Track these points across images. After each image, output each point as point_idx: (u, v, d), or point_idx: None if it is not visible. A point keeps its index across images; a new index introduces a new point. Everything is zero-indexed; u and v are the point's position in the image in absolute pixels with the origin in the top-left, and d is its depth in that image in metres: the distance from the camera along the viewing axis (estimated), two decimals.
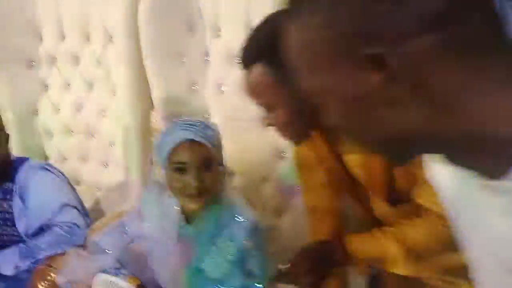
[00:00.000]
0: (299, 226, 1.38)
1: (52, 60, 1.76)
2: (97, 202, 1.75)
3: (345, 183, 0.88)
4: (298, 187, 1.43)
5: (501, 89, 0.37)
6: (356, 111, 0.41)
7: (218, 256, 1.06)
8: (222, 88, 1.43)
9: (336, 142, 0.84)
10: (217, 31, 1.37)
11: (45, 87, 1.82)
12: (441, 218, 0.76)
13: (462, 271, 0.72)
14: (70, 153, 1.82)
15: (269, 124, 0.78)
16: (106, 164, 1.75)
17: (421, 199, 0.77)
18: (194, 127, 1.06)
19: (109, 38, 1.59)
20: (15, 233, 1.38)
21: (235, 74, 1.40)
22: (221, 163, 1.08)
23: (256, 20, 1.29)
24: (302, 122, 0.75)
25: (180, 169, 1.04)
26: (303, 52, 0.42)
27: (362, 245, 0.80)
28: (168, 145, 1.05)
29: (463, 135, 0.39)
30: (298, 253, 0.83)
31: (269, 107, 0.75)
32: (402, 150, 0.43)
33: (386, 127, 0.40)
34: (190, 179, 1.02)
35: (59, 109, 1.81)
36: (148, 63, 1.43)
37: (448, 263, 0.84)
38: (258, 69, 0.71)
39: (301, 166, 0.95)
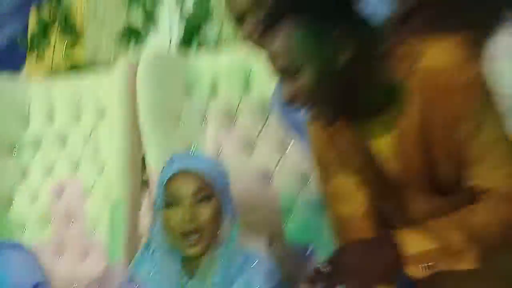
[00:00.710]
0: None
1: (37, 144, 1.68)
2: None
3: (376, 183, 0.77)
4: (309, 249, 1.27)
5: None
6: None
7: None
8: (221, 150, 1.36)
9: (363, 129, 0.75)
10: (215, 90, 1.37)
11: (24, 174, 1.70)
12: (506, 198, 0.65)
13: None
14: (43, 247, 1.61)
15: (292, 97, 0.69)
16: (85, 254, 1.54)
17: (478, 179, 0.66)
18: (188, 158, 0.98)
19: (101, 114, 1.56)
20: None
21: (234, 134, 1.36)
22: (224, 199, 0.95)
23: (256, 75, 1.33)
24: (332, 92, 0.67)
25: (171, 202, 0.91)
26: None
27: (416, 239, 0.64)
28: (162, 181, 0.94)
29: None
30: (340, 250, 0.66)
31: (295, 69, 0.67)
32: None
33: None
34: (181, 214, 0.89)
35: (36, 197, 1.66)
36: (145, 128, 1.38)
37: None
38: (287, 24, 0.66)
39: (324, 171, 0.83)
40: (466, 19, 0.72)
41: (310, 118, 0.75)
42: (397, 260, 0.64)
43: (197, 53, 1.82)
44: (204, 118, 1.38)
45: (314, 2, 0.68)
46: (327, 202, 0.86)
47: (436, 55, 0.65)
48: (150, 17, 2.11)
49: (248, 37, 0.89)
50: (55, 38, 2.29)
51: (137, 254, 1.06)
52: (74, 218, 1.58)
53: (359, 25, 0.68)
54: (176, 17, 2.05)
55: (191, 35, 1.97)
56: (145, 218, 1.46)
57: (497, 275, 0.70)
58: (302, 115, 0.91)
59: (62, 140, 1.64)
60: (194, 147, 1.36)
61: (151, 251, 0.99)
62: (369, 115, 0.72)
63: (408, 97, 0.69)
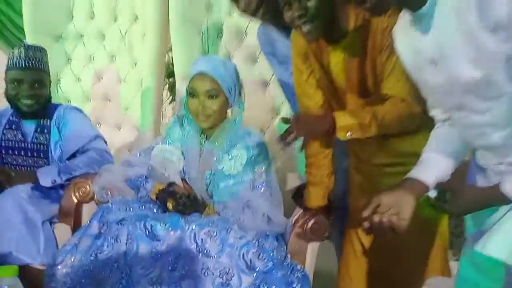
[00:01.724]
0: (290, 169, 1.71)
1: (79, 36, 2.07)
2: None
3: (328, 89, 1.26)
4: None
5: None
6: None
7: (233, 160, 1.37)
8: (231, 58, 1.78)
9: (328, 50, 1.19)
10: (231, 10, 1.75)
11: (69, 60, 2.11)
12: (402, 100, 1.13)
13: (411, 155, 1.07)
14: None
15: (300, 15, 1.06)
16: (119, 126, 2.03)
17: (387, 90, 1.13)
18: (210, 62, 1.38)
19: (135, 19, 1.94)
20: (44, 165, 1.60)
21: (243, 48, 1.77)
22: (231, 96, 1.37)
23: None
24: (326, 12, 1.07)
25: (192, 94, 1.36)
26: None
27: (344, 117, 1.14)
28: (190, 74, 1.38)
29: None
30: (299, 115, 1.18)
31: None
32: None
33: None
34: (197, 103, 1.34)
35: (79, 79, 2.09)
36: (173, 34, 1.79)
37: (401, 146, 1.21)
38: None
39: (298, 74, 1.29)
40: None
41: (302, 34, 1.16)
42: (333, 127, 1.13)
43: None
44: (220, 31, 1.78)
45: None
46: (298, 99, 1.33)
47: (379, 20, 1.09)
48: None
49: None
50: None
51: (169, 125, 1.54)
52: (110, 98, 2.04)
53: None
54: None
55: None
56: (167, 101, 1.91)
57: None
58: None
59: (101, 35, 2.03)
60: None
61: (180, 123, 1.47)
62: (337, 40, 1.15)
63: (357, 35, 1.13)
